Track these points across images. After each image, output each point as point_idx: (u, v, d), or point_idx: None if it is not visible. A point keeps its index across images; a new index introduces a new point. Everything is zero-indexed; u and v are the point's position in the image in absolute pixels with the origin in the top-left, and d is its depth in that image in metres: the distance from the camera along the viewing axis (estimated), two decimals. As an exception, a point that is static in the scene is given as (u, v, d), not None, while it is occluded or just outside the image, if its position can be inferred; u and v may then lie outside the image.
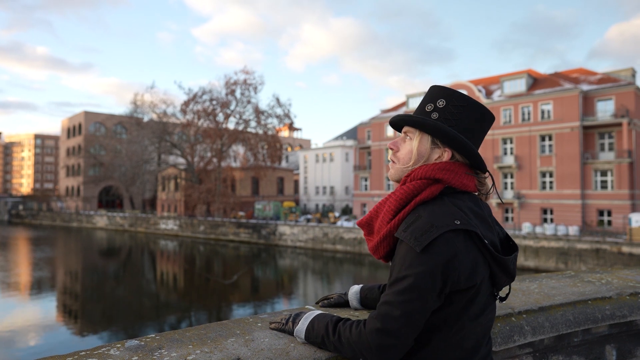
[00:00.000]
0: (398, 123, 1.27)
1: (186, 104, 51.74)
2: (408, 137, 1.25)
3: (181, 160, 58.43)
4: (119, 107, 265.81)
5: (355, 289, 1.71)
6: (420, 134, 1.22)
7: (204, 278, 27.27)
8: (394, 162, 1.28)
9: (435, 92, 1.24)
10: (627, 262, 24.32)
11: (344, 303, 1.72)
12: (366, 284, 1.72)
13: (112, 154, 68.75)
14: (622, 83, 33.20)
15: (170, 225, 51.35)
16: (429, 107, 1.22)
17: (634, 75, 35.68)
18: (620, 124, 31.94)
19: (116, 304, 20.72)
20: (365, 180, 48.68)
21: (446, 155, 1.20)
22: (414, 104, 44.54)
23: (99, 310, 19.52)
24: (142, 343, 1.36)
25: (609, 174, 32.33)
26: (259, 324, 1.57)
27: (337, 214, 46.54)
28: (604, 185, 32.54)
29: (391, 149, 1.27)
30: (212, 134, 50.19)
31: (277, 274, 29.51)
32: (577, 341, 1.88)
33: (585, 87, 34.41)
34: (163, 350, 1.31)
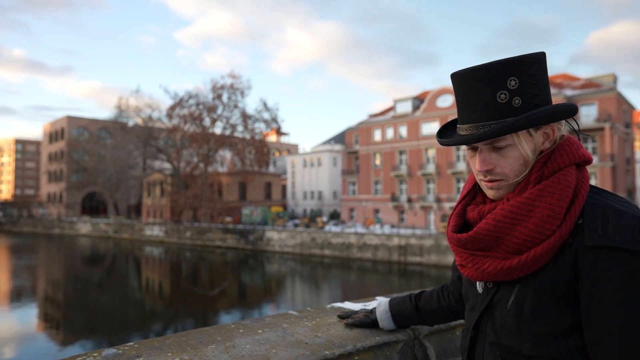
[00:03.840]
0: (483, 139, 0.93)
1: (172, 108, 51.38)
2: (506, 145, 0.95)
3: (167, 165, 57.93)
4: (101, 111, 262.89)
5: (383, 306, 1.50)
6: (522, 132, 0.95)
7: (189, 287, 26.97)
8: (496, 181, 0.98)
9: (497, 74, 0.91)
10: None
11: (371, 323, 1.51)
12: (388, 295, 1.55)
13: (96, 159, 67.69)
14: (604, 88, 33.95)
15: (155, 231, 50.73)
16: (502, 97, 0.91)
17: (615, 81, 36.52)
18: (602, 129, 32.62)
19: (100, 313, 20.33)
20: (353, 184, 48.80)
21: (552, 131, 0.98)
22: (402, 108, 44.89)
23: (82, 319, 19.12)
24: (120, 351, 1.33)
25: (593, 177, 32.95)
26: (241, 330, 1.54)
27: (325, 219, 46.53)
28: (586, 188, 33.16)
29: (486, 171, 0.97)
30: (198, 139, 49.87)
31: (264, 280, 29.32)
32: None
33: (569, 92, 35.11)
34: (141, 359, 1.28)
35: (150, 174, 58.53)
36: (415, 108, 43.87)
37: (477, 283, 1.06)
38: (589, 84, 35.92)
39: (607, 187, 31.85)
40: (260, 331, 1.53)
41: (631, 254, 0.84)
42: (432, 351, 1.57)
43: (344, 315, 1.61)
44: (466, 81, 0.95)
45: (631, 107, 38.21)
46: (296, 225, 43.19)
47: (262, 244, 40.31)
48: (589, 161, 1.00)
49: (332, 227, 39.73)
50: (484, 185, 1.02)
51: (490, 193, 1.01)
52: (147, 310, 21.38)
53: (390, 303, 1.49)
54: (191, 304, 22.10)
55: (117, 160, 56.13)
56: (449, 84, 47.65)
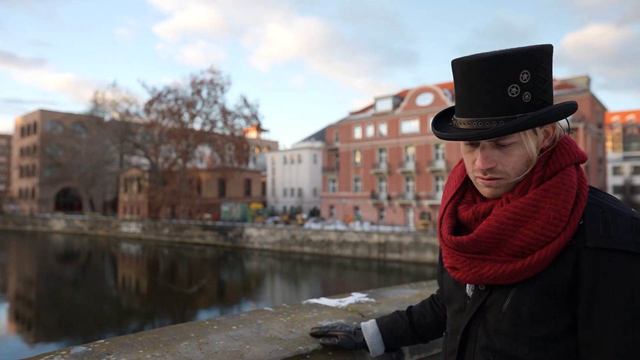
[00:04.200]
0: (494, 135, 0.87)
1: (150, 103, 50.48)
2: (511, 143, 0.90)
3: (144, 161, 56.92)
4: (76, 105, 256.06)
5: (372, 328, 1.32)
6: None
7: (167, 285, 26.61)
8: (495, 179, 0.93)
9: (509, 65, 0.84)
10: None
11: (354, 346, 1.34)
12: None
13: (71, 154, 65.90)
14: (578, 89, 34.88)
15: (132, 228, 49.83)
16: (514, 91, 0.85)
17: (588, 83, 37.55)
18: (576, 129, 33.54)
19: (74, 311, 19.86)
20: (334, 182, 48.92)
21: (552, 129, 0.94)
22: (382, 106, 45.18)
23: (55, 318, 18.65)
24: (90, 349, 1.30)
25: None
26: (215, 327, 1.53)
27: (305, 216, 46.54)
28: (560, 187, 34.04)
29: (487, 169, 0.92)
30: (177, 134, 49.16)
31: (243, 277, 29.17)
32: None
33: (543, 93, 35.95)
34: (111, 356, 1.26)
35: (127, 169, 57.42)
36: (396, 106, 44.22)
37: (467, 285, 1.01)
38: (564, 84, 36.86)
39: (580, 186, 32.86)
40: (234, 327, 1.52)
41: (631, 256, 0.84)
42: (407, 350, 1.58)
43: (319, 333, 1.41)
44: (474, 71, 0.87)
45: (603, 108, 39.39)
46: (276, 222, 43.07)
47: (242, 241, 40.06)
48: (585, 160, 0.97)
49: (312, 224, 39.77)
50: (480, 183, 0.96)
51: (486, 191, 0.96)
52: (124, 308, 21.00)
53: (380, 323, 1.32)
54: (169, 302, 21.82)
55: (92, 156, 54.85)
56: (429, 82, 48.18)
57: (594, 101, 35.71)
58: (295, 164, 58.98)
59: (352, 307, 1.74)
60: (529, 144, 0.90)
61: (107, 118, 57.90)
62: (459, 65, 0.89)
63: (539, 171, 0.92)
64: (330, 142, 50.51)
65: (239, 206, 46.82)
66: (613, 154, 65.58)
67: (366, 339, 1.31)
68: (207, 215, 48.58)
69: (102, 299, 22.99)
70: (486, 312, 0.97)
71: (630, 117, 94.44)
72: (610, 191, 54.91)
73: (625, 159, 63.63)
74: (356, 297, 1.93)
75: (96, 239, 50.54)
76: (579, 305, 0.87)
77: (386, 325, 1.31)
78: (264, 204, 61.31)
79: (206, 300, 22.19)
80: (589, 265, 0.86)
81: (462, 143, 0.96)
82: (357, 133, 46.11)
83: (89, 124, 63.27)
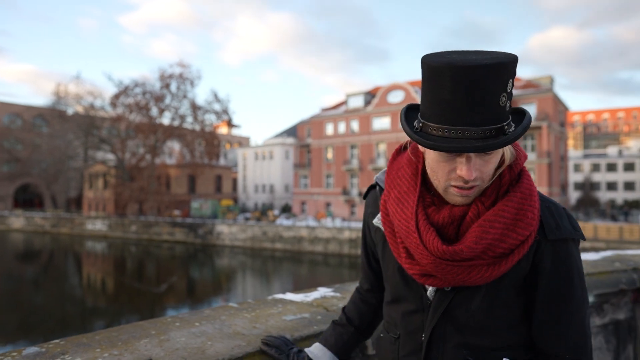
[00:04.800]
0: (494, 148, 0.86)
1: (116, 96, 49.01)
2: (495, 152, 0.91)
3: (110, 156, 55.25)
4: (37, 97, 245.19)
5: (326, 356, 1.24)
6: None
7: (134, 283, 25.98)
8: (472, 188, 0.92)
9: (505, 74, 0.83)
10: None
11: None
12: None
13: (31, 148, 63.08)
14: (542, 89, 36.11)
15: (98, 225, 48.36)
16: (503, 100, 0.84)
17: (552, 83, 38.95)
18: (540, 127, 34.74)
19: (35, 312, 19.11)
20: (305, 178, 48.92)
21: None
22: (354, 102, 45.44)
23: (14, 319, 17.89)
24: (43, 349, 1.25)
25: (531, 173, 34.53)
26: (177, 324, 1.50)
27: (276, 213, 46.37)
28: (524, 183, 35.20)
29: (471, 179, 0.89)
30: (145, 129, 47.96)
31: (214, 275, 28.84)
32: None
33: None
34: (66, 356, 1.21)
35: (92, 165, 55.62)
36: (367, 103, 44.58)
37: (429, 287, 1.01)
38: (529, 84, 38.09)
39: (544, 183, 34.06)
40: (197, 324, 1.50)
41: (574, 242, 0.98)
42: (369, 342, 1.60)
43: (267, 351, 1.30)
44: (473, 77, 0.81)
45: (565, 108, 40.97)
46: (247, 219, 42.75)
47: (212, 237, 39.56)
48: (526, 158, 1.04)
49: (283, 221, 39.68)
50: (455, 192, 0.93)
51: (459, 200, 0.94)
52: (88, 308, 20.39)
53: (329, 346, 1.25)
54: (136, 301, 21.33)
55: (54, 150, 52.76)
56: (400, 79, 48.78)
57: (557, 101, 37.09)
58: (266, 160, 58.61)
59: (318, 301, 1.75)
60: (506, 151, 0.94)
61: (70, 112, 55.81)
62: (449, 70, 0.81)
63: (507, 174, 0.95)
64: (302, 138, 50.45)
65: (209, 203, 46.18)
66: (574, 152, 68.39)
67: None
68: (177, 212, 47.70)
69: (65, 299, 22.24)
70: (454, 311, 0.99)
71: (590, 117, 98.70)
72: (571, 188, 57.27)
73: (586, 156, 66.49)
74: (322, 291, 1.93)
75: (59, 237, 48.78)
76: (539, 290, 0.97)
77: (335, 343, 1.25)
78: (235, 200, 60.71)
79: (175, 298, 21.82)
80: (549, 255, 0.96)
81: (441, 153, 0.90)
82: (329, 129, 46.24)
83: (51, 117, 60.74)
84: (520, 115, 0.93)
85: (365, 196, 1.23)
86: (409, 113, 0.98)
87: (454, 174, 0.90)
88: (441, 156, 0.90)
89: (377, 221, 1.11)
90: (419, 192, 0.99)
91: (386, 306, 1.16)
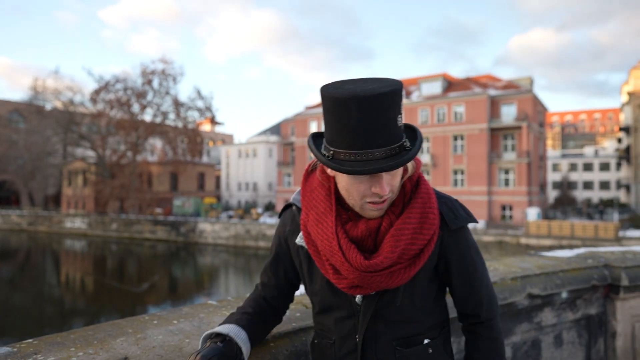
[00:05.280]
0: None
1: (97, 92, 48.00)
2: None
3: (91, 153, 54.14)
4: (13, 92, 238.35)
5: (238, 332, 1.14)
6: None
7: (114, 283, 25.55)
8: (385, 201, 1.03)
9: (399, 98, 0.95)
10: (524, 253, 27.06)
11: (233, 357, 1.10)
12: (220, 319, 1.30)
13: (7, 144, 61.30)
14: (522, 90, 36.73)
15: (77, 223, 47.40)
16: (399, 120, 0.97)
17: (531, 84, 39.65)
18: (520, 127, 35.34)
19: (11, 313, 18.64)
20: (289, 176, 48.83)
21: None
22: (337, 102, 45.50)
23: (-10, 319, 17.44)
24: (15, 349, 1.23)
25: (511, 172, 35.66)
26: (155, 322, 1.48)
27: (260, 211, 46.18)
28: (506, 182, 35.83)
29: (386, 194, 1.00)
30: (126, 126, 47.13)
31: (196, 273, 28.57)
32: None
33: (492, 92, 37.57)
34: (39, 356, 1.19)
35: (72, 162, 54.43)
36: (351, 102, 44.70)
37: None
38: (510, 85, 38.71)
39: (523, 182, 34.69)
40: (175, 322, 1.49)
41: (467, 228, 1.17)
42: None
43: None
44: (376, 104, 0.91)
45: (544, 108, 41.77)
46: (230, 217, 42.46)
47: (195, 236, 39.19)
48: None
49: (267, 219, 39.55)
50: (371, 208, 1.02)
51: (375, 214, 1.04)
52: (67, 309, 19.98)
53: (243, 325, 1.18)
54: (117, 300, 20.99)
55: (32, 147, 51.44)
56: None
57: (536, 101, 37.79)
58: (250, 158, 58.28)
59: (297, 299, 1.75)
60: (408, 164, 1.06)
61: (48, 107, 54.42)
62: (353, 100, 0.90)
63: (407, 183, 1.08)
64: (286, 136, 50.31)
65: (191, 200, 45.69)
66: (553, 152, 69.82)
67: (240, 345, 1.13)
68: (159, 210, 47.07)
69: (43, 299, 21.75)
70: (381, 310, 1.11)
71: (568, 117, 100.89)
72: (549, 187, 58.47)
73: (563, 156, 67.95)
74: (301, 289, 1.93)
75: (36, 236, 47.66)
76: (452, 271, 1.15)
77: (246, 323, 1.20)
78: (218, 198, 60.23)
79: (157, 297, 21.55)
80: (453, 244, 1.13)
81: (344, 175, 1.00)
82: (313, 127, 46.22)
83: (28, 112, 59.13)
84: (410, 130, 1.04)
85: (280, 214, 1.28)
86: (316, 140, 1.06)
87: (368, 191, 1.00)
88: (355, 178, 0.99)
89: (299, 241, 1.17)
90: (335, 211, 1.07)
91: (317, 316, 1.24)
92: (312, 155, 1.04)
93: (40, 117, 52.54)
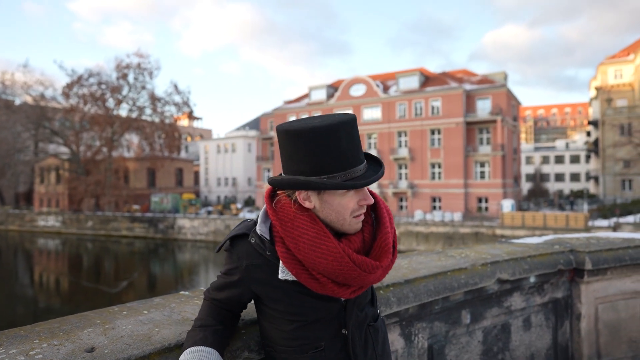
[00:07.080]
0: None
1: (69, 86, 46.64)
2: None
3: (64, 149, 52.70)
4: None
5: (208, 354, 1.12)
6: None
7: (91, 282, 25.03)
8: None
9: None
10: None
11: None
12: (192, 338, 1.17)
13: (-25, 141, 59.30)
14: (496, 85, 37.39)
15: (51, 221, 46.15)
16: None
17: (505, 78, 40.39)
18: (495, 121, 36.01)
19: (-18, 313, 18.10)
20: (268, 171, 48.58)
21: None
22: (317, 95, 45.44)
23: (-41, 321, 16.86)
24: (-25, 344, 1.20)
25: (486, 165, 36.33)
26: (125, 313, 1.47)
27: (239, 206, 45.86)
28: (482, 175, 36.50)
29: (372, 202, 1.14)
30: (101, 121, 45.97)
31: (176, 270, 28.24)
32: (437, 308, 2.08)
33: (468, 86, 38.12)
34: (0, 349, 1.17)
35: (44, 158, 52.87)
36: (330, 96, 44.69)
37: None
38: (484, 80, 39.34)
39: (498, 174, 35.42)
40: (145, 312, 1.48)
41: None
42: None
43: None
44: (353, 127, 1.08)
45: (518, 103, 42.64)
46: (209, 213, 42.03)
47: (173, 232, 38.68)
48: None
49: (246, 214, 39.32)
50: (356, 221, 1.13)
51: (360, 226, 1.15)
52: (41, 309, 19.49)
53: (213, 344, 1.15)
54: (94, 299, 20.56)
55: (0, 143, 49.74)
56: (361, 73, 49.07)
57: (510, 96, 38.53)
58: (229, 153, 57.73)
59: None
60: None
61: (17, 102, 52.65)
62: (343, 126, 1.05)
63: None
64: (265, 131, 49.98)
65: (170, 197, 45.03)
66: (526, 145, 71.43)
67: None
68: (136, 207, 46.21)
69: (15, 299, 21.15)
70: (358, 299, 1.22)
71: (541, 112, 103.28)
72: (523, 179, 59.85)
73: (536, 149, 69.62)
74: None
75: (7, 235, 46.21)
76: None
77: (216, 341, 1.17)
78: (197, 194, 59.51)
79: (135, 295, 21.19)
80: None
81: (345, 192, 1.09)
82: (292, 122, 45.99)
83: (-4, 108, 57.13)
84: None
85: (231, 247, 1.18)
86: (310, 180, 1.07)
87: (356, 206, 1.10)
88: (345, 197, 1.09)
89: (284, 275, 1.11)
90: (329, 234, 1.11)
91: (297, 333, 1.17)
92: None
93: (9, 112, 50.67)
